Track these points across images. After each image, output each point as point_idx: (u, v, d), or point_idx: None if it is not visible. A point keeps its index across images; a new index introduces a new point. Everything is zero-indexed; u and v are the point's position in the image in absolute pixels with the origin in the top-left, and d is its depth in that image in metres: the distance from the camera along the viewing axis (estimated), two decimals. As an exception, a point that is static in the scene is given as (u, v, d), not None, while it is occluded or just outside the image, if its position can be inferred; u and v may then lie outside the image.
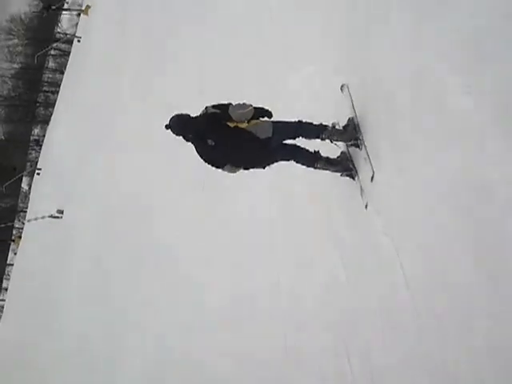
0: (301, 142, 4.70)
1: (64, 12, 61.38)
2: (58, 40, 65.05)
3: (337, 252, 5.07)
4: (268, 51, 8.50)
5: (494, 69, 3.34)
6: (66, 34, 63.25)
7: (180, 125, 4.45)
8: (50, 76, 72.94)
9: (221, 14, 12.78)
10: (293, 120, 4.58)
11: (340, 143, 4.67)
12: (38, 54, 55.90)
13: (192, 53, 14.44)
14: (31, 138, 73.94)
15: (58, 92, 55.99)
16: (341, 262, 4.96)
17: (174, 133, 4.47)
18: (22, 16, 77.10)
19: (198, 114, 4.48)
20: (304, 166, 4.67)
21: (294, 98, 6.36)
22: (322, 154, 4.60)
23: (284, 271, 6.52)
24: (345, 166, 4.57)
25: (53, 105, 57.59)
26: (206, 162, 4.60)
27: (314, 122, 4.57)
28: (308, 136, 4.56)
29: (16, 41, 74.45)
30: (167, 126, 4.43)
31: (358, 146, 4.46)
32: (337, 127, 4.57)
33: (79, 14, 53.53)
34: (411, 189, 3.91)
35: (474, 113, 3.40)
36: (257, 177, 6.07)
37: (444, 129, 3.70)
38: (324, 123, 4.59)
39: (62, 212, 28.25)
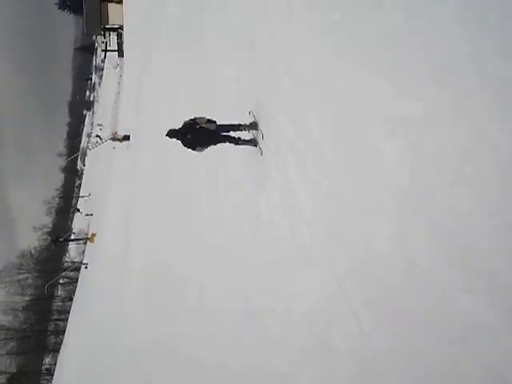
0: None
1: (71, 242, 64.88)
2: (66, 269, 67.78)
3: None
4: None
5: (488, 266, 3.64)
6: (74, 262, 66.03)
7: (173, 132, 8.63)
8: (60, 304, 74.64)
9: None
10: (227, 123, 9.11)
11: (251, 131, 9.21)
12: (48, 284, 57.95)
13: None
14: (43, 367, 73.18)
15: (67, 319, 56.94)
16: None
17: (170, 137, 8.68)
18: (32, 251, 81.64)
19: (181, 126, 8.69)
20: (232, 144, 9.12)
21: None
22: (241, 138, 9.14)
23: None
24: (253, 142, 9.09)
25: (63, 332, 58.23)
26: (187, 147, 8.79)
27: (236, 123, 9.18)
28: (234, 130, 9.10)
29: (26, 274, 77.57)
30: (167, 135, 8.65)
31: (257, 129, 9.00)
32: (247, 124, 9.13)
33: (85, 242, 56.62)
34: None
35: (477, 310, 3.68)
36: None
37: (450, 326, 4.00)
38: (242, 123, 9.13)
39: None
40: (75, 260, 67.71)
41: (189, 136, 8.62)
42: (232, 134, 9.09)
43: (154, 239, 21.41)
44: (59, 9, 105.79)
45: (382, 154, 5.17)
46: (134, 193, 30.99)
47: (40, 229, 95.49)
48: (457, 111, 4.20)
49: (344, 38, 6.42)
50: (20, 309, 74.13)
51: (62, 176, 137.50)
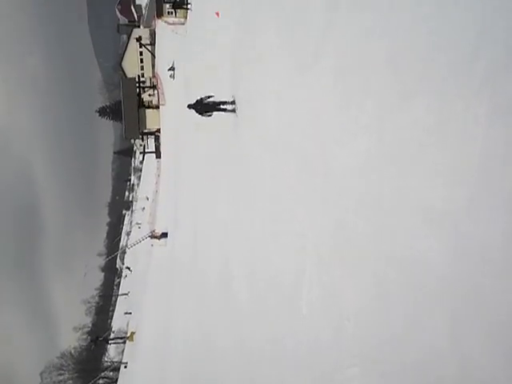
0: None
1: (110, 341, 64.66)
2: (105, 369, 67.07)
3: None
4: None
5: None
6: (113, 362, 65.45)
7: (191, 106, 14.62)
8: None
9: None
10: (217, 100, 15.29)
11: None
12: (87, 385, 57.25)
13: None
14: None
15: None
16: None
17: (189, 108, 14.71)
18: (72, 351, 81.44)
19: (195, 101, 14.67)
20: (223, 112, 15.13)
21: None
22: (227, 108, 15.30)
23: None
24: (233, 111, 15.20)
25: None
26: (198, 113, 14.73)
27: (224, 100, 15.39)
28: (223, 104, 15.12)
29: (67, 375, 76.96)
30: (187, 107, 14.90)
31: (235, 104, 15.24)
32: (230, 101, 15.42)
33: (125, 341, 56.39)
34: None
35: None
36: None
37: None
38: (227, 100, 15.43)
39: None
40: (115, 359, 67.15)
41: (199, 107, 14.64)
42: (222, 106, 15.14)
43: (193, 337, 21.54)
44: (99, 116, 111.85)
45: (426, 248, 5.18)
46: (171, 289, 31.34)
47: (80, 329, 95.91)
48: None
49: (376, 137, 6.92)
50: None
51: (101, 275, 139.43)
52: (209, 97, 14.89)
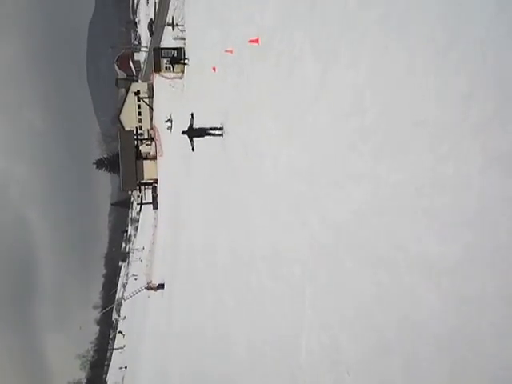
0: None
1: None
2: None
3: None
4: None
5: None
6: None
7: (184, 132, 16.23)
8: None
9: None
10: (207, 126, 16.86)
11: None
12: None
13: None
14: None
15: None
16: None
17: (183, 134, 16.39)
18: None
19: (187, 128, 16.20)
20: (211, 136, 16.65)
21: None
22: (216, 133, 16.81)
23: None
24: (221, 135, 16.69)
25: None
26: (189, 139, 16.48)
27: (214, 126, 16.85)
28: (212, 129, 16.66)
29: None
30: (182, 133, 16.57)
31: (223, 129, 16.81)
32: (218, 126, 16.90)
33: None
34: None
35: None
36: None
37: None
38: (216, 126, 16.87)
39: None
40: (109, 417, 65.40)
41: (191, 134, 16.19)
42: (211, 131, 16.70)
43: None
44: (97, 168, 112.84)
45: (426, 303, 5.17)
46: (168, 343, 30.90)
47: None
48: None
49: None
50: None
51: (96, 328, 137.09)
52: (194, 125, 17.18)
